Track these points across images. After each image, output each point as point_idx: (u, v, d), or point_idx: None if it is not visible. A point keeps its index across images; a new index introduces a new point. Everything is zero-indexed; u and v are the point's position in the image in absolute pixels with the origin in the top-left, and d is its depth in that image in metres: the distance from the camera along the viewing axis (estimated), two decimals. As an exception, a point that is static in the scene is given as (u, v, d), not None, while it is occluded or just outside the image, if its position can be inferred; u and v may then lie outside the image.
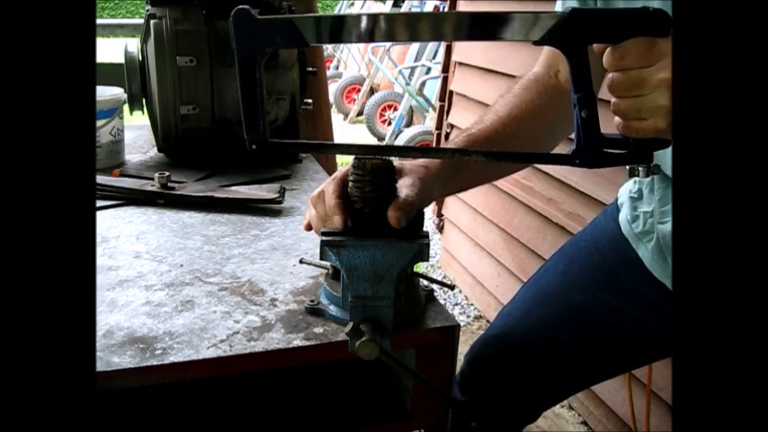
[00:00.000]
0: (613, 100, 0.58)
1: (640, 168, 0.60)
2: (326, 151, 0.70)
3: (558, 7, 0.86)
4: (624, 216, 0.92)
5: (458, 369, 0.96)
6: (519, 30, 0.55)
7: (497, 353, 0.95)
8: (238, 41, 0.56)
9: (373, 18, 0.55)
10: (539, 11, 0.54)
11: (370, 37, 0.56)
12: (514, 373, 0.95)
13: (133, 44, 1.16)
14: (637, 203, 0.91)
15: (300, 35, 0.56)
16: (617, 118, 0.58)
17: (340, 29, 0.56)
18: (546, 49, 0.86)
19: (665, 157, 0.79)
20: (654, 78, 0.54)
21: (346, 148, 0.69)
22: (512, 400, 0.97)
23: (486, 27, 0.55)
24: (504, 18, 0.54)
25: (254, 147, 0.60)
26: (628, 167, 0.60)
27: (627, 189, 0.95)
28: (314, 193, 0.67)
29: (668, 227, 0.83)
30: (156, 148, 1.21)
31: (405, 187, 0.63)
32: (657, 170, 0.60)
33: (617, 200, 0.97)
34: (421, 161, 0.70)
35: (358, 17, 0.56)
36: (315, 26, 0.56)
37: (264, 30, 0.56)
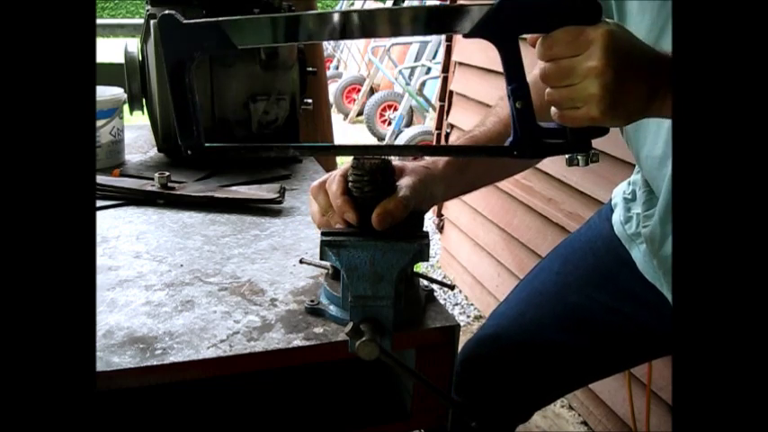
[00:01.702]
0: (547, 90, 0.57)
1: (579, 157, 0.60)
2: (264, 153, 0.70)
3: None
4: (618, 217, 0.92)
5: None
6: (448, 22, 0.54)
7: (491, 353, 0.95)
8: (166, 47, 0.55)
9: (297, 19, 0.55)
10: (469, 3, 0.54)
11: (308, 37, 0.55)
12: (508, 373, 0.95)
13: (133, 44, 1.16)
14: (630, 205, 0.91)
15: (227, 38, 0.55)
16: (552, 108, 0.58)
17: (266, 30, 0.55)
18: None
19: (647, 163, 0.79)
20: (583, 67, 0.54)
21: (284, 150, 0.66)
22: (505, 399, 0.97)
23: (418, 21, 0.54)
24: (436, 11, 0.54)
25: (189, 152, 0.59)
26: (566, 156, 0.60)
27: (621, 190, 0.95)
28: (314, 184, 0.67)
29: (648, 230, 0.83)
30: (156, 148, 1.21)
31: (402, 188, 0.63)
32: (597, 158, 0.60)
33: (611, 200, 0.97)
34: (423, 162, 0.70)
35: (283, 18, 0.55)
36: (242, 29, 0.55)
37: (191, 34, 0.55)
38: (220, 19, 0.55)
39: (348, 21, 0.55)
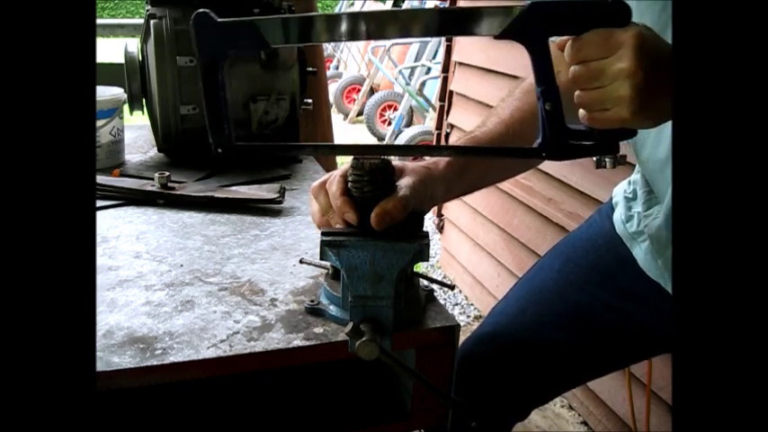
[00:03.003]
0: (576, 92, 0.58)
1: (607, 159, 0.60)
2: (295, 152, 0.69)
3: None
4: (619, 216, 0.93)
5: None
6: (478, 25, 0.54)
7: (491, 351, 0.95)
8: (200, 46, 0.56)
9: (332, 18, 0.55)
10: (499, 5, 0.54)
11: (341, 36, 0.55)
12: (508, 372, 0.95)
13: (133, 44, 1.16)
14: (631, 203, 0.91)
15: (262, 37, 0.55)
16: (581, 110, 0.58)
17: (302, 29, 0.56)
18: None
19: (648, 165, 0.79)
20: (613, 69, 0.54)
21: (316, 149, 0.69)
22: (504, 398, 0.97)
23: (447, 23, 0.55)
24: (465, 13, 0.54)
25: (219, 150, 0.59)
26: (594, 159, 0.60)
27: (621, 189, 0.95)
28: (315, 184, 0.67)
29: (653, 231, 0.83)
30: (156, 148, 1.21)
31: (402, 188, 0.63)
32: (624, 160, 0.60)
33: (611, 199, 0.97)
34: (424, 162, 0.70)
35: (312, 17, 0.55)
36: (277, 27, 0.55)
37: (226, 33, 0.55)
38: (255, 18, 0.55)
39: (382, 21, 0.55)
